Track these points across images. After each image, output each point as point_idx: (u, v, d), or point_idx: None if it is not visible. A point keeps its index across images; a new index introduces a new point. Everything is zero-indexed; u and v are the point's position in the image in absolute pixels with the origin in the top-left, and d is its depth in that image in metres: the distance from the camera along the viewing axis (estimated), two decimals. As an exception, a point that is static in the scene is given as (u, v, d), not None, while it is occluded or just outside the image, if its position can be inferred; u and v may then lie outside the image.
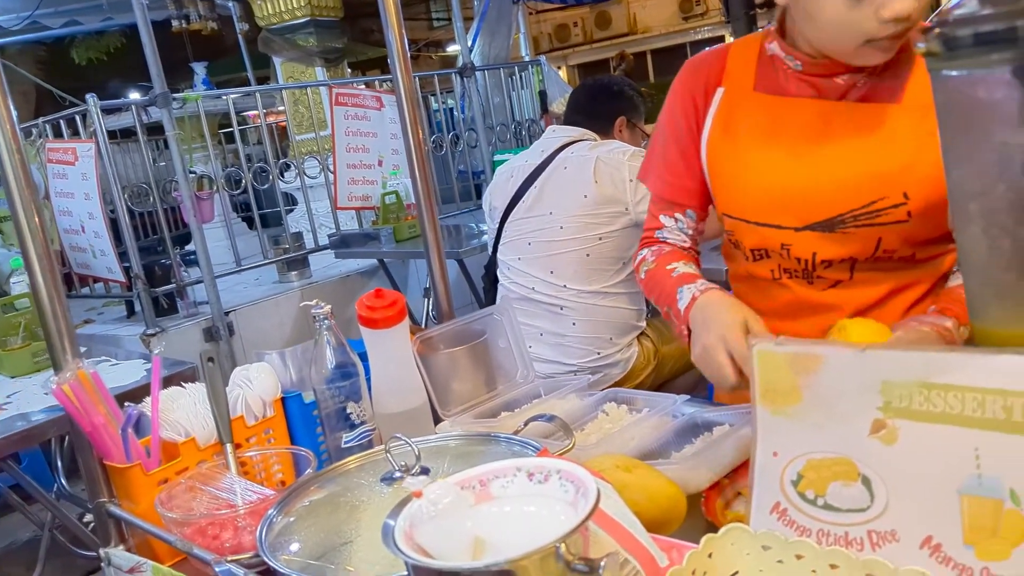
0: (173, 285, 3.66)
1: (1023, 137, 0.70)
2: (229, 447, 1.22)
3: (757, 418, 0.91)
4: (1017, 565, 0.74)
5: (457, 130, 5.11)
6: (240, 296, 4.08)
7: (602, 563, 0.71)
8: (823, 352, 0.85)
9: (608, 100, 2.66)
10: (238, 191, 4.09)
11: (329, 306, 1.31)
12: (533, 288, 2.49)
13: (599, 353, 2.49)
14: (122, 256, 3.53)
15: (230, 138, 8.00)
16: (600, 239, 2.41)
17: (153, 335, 3.50)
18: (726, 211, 1.36)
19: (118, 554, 1.14)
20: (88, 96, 3.31)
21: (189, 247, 5.08)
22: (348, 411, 1.29)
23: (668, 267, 1.39)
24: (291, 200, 5.39)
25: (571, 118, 2.67)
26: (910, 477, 0.80)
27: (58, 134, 3.78)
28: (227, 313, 3.70)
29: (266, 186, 4.18)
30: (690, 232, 1.46)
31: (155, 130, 4.52)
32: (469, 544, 0.79)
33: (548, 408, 1.41)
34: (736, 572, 0.86)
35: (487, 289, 2.96)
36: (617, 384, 2.51)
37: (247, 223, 5.79)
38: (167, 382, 2.43)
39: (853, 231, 1.24)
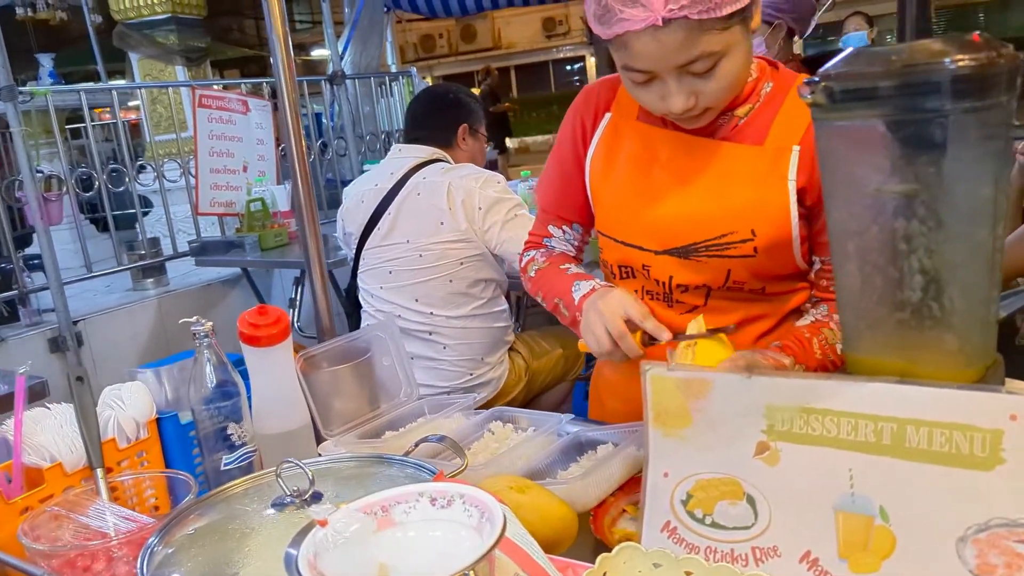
0: (15, 292, 3.39)
1: (894, 185, 0.77)
2: (100, 472, 1.15)
3: (649, 440, 0.95)
4: (885, 576, 0.80)
5: (325, 138, 5.02)
6: (90, 304, 3.84)
7: (510, 588, 0.73)
8: (712, 378, 0.90)
9: (446, 109, 2.63)
10: (89, 192, 3.85)
11: (210, 323, 1.26)
12: (400, 316, 2.46)
13: (472, 374, 2.50)
14: (-44, 259, 3.26)
15: (74, 135, 7.51)
16: (461, 264, 2.42)
17: (-10, 345, 3.24)
18: (600, 228, 1.44)
19: (-29, 591, 1.05)
20: (-79, 85, 3.03)
21: (31, 250, 4.74)
22: (229, 432, 1.25)
23: (562, 266, 1.47)
24: (145, 203, 5.13)
25: (413, 134, 2.63)
26: (791, 496, 0.86)
27: None
28: (75, 322, 3.47)
29: (121, 188, 3.96)
30: (575, 243, 1.54)
31: (-7, 123, 4.20)
32: (374, 572, 0.79)
33: (434, 428, 1.41)
34: (629, 589, 0.90)
35: (350, 313, 2.90)
36: (490, 402, 2.53)
37: (95, 225, 5.47)
38: (9, 400, 2.25)
39: (705, 260, 1.31)
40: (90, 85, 4.00)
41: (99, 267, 3.90)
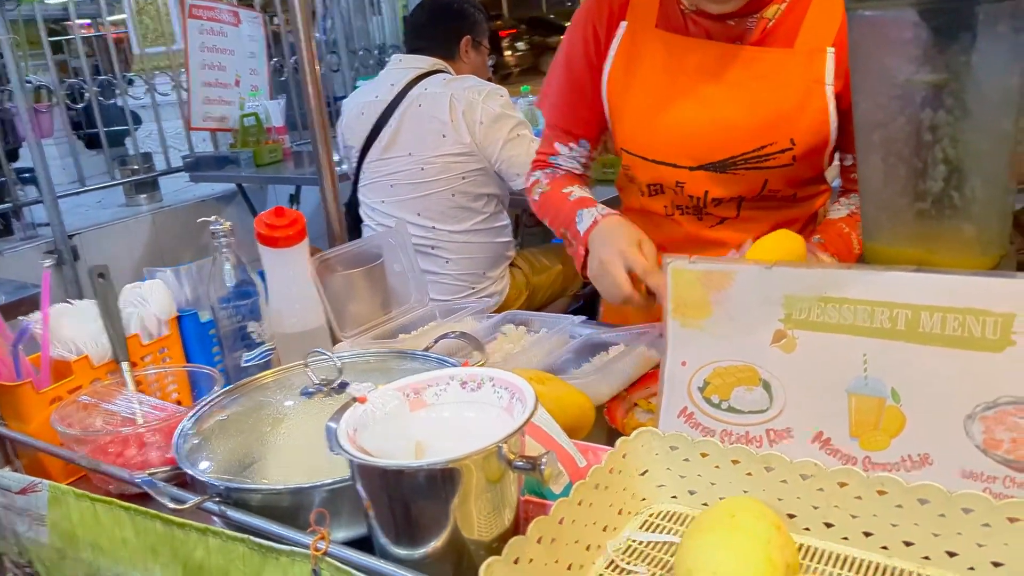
0: (9, 204, 3.37)
1: (925, 75, 0.78)
2: (126, 365, 1.17)
3: (668, 330, 0.98)
4: (893, 453, 0.85)
5: (318, 52, 4.92)
6: (83, 219, 3.82)
7: (543, 460, 0.76)
8: (733, 269, 0.93)
9: (450, 20, 2.60)
10: (78, 105, 3.79)
11: (229, 223, 1.27)
12: None
13: (473, 288, 2.53)
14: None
15: (56, 48, 7.32)
16: (463, 178, 2.42)
17: (-14, 258, 3.24)
18: (624, 146, 1.40)
19: (7, 475, 1.09)
20: (-96, -11, 2.95)
21: (20, 164, 4.68)
22: (249, 330, 1.27)
23: (564, 190, 1.43)
24: (134, 118, 5.04)
25: (415, 44, 2.59)
26: (805, 381, 0.90)
27: None
28: (71, 236, 3.46)
29: (111, 102, 3.89)
30: (583, 160, 1.50)
31: (-24, 34, 4.08)
32: (411, 447, 0.82)
33: (447, 329, 1.44)
34: (646, 470, 0.94)
35: (350, 228, 2.89)
36: (492, 316, 2.57)
37: (82, 141, 5.38)
38: (12, 308, 2.27)
39: (743, 172, 1.31)
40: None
41: (90, 183, 3.87)
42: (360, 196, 2.62)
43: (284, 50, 4.62)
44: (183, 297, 1.33)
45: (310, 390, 1.03)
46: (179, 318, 1.30)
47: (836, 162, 1.38)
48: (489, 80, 2.60)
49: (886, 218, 0.86)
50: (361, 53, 5.07)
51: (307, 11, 1.62)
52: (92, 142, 5.03)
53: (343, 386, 1.04)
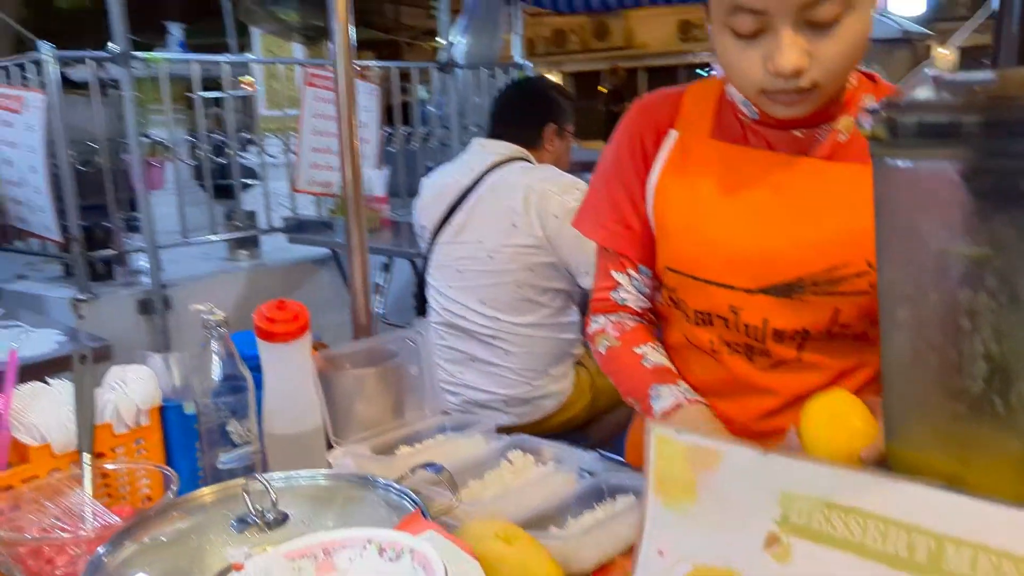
0: (113, 251, 3.50)
1: (964, 246, 0.61)
2: (87, 457, 1.10)
3: (648, 508, 0.82)
4: None
5: (430, 126, 4.99)
6: (184, 270, 3.93)
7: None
8: (722, 449, 0.76)
9: (535, 106, 2.51)
10: (196, 162, 3.94)
11: (223, 314, 1.20)
12: (464, 317, 2.38)
13: (532, 385, 2.39)
14: (64, 214, 3.37)
15: (205, 104, 7.80)
16: (531, 270, 2.31)
17: (85, 301, 3.35)
18: (671, 264, 1.25)
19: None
20: (41, 44, 3.15)
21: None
22: (228, 428, 1.19)
23: (636, 350, 1.28)
24: (254, 175, 5.22)
25: (498, 130, 2.51)
26: (800, 604, 0.72)
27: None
28: (166, 287, 3.55)
29: (224, 160, 4.03)
30: (646, 292, 1.34)
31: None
32: (293, 630, 0.69)
33: (452, 448, 1.31)
34: None
35: (418, 308, 2.84)
36: (550, 415, 2.42)
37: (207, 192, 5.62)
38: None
39: (811, 299, 1.14)
40: (202, 56, 4.07)
41: (197, 234, 3.98)
42: (428, 278, 2.55)
43: (395, 120, 4.71)
44: (170, 386, 1.26)
45: (244, 521, 0.92)
46: (163, 409, 1.23)
47: None
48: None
49: (913, 415, 0.68)
50: (475, 130, 5.11)
51: (350, 82, 1.58)
52: (218, 192, 5.22)
53: (283, 517, 0.93)
